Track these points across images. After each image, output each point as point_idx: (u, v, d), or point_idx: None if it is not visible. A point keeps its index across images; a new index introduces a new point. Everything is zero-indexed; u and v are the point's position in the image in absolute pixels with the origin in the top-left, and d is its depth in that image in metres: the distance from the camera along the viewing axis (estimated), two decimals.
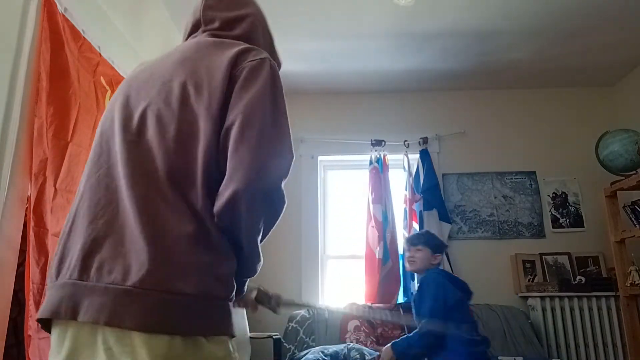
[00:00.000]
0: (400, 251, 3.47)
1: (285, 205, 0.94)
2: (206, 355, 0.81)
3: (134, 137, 0.92)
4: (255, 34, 1.14)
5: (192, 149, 0.89)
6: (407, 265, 2.60)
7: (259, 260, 0.98)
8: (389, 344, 2.35)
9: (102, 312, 0.79)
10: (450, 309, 2.28)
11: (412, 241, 2.58)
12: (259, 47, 1.08)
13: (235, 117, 0.88)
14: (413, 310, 2.46)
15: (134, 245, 0.82)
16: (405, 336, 2.36)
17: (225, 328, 0.86)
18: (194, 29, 1.15)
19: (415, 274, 2.58)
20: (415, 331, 2.30)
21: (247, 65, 0.94)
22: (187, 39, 1.16)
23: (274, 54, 1.22)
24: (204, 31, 1.12)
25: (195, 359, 0.80)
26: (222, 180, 0.87)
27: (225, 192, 0.85)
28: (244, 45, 0.99)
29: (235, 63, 0.94)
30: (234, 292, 0.90)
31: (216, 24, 1.11)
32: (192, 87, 0.93)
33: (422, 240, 2.54)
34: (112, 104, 1.03)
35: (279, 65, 1.21)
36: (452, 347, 2.25)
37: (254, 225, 0.90)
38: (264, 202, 0.89)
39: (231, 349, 0.87)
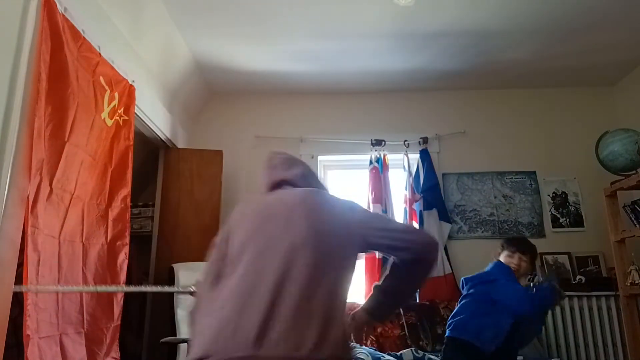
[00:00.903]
0: None
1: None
2: None
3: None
4: (314, 181, 1.53)
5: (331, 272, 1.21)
6: None
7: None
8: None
9: None
10: None
11: (520, 248, 2.42)
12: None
13: (376, 227, 1.30)
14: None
15: None
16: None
17: None
18: (275, 185, 1.47)
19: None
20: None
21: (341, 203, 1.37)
22: (271, 189, 1.48)
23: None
24: (287, 185, 1.45)
25: None
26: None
27: (425, 259, 1.27)
28: (327, 192, 1.45)
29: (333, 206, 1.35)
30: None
31: (292, 180, 1.46)
32: (328, 221, 1.29)
33: (530, 252, 2.42)
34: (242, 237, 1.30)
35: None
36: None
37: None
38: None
39: None
